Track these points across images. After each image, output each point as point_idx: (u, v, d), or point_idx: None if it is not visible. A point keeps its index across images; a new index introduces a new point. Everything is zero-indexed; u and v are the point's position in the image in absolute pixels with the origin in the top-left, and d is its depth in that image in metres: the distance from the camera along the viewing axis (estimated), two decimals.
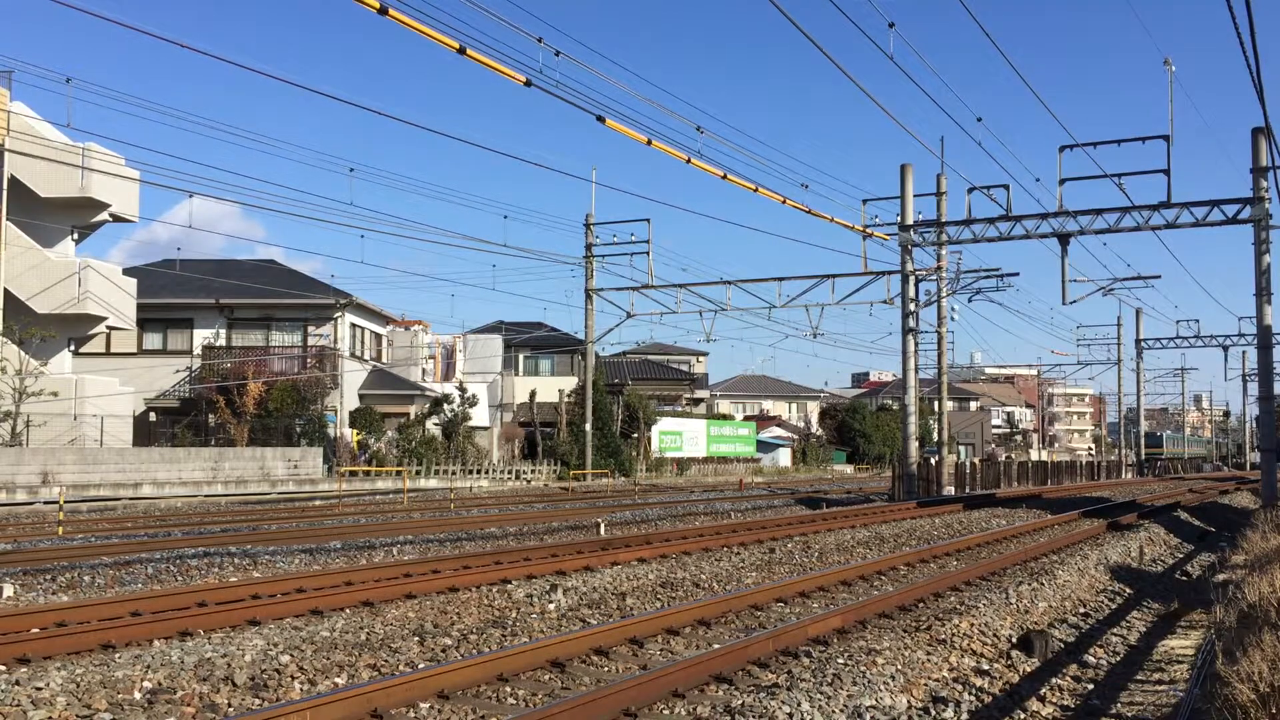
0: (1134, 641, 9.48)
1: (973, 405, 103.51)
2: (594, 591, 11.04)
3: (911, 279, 30.86)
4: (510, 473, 44.25)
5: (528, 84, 17.00)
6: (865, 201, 31.99)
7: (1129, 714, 6.84)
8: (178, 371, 42.27)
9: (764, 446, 70.77)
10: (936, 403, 42.75)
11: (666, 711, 6.30)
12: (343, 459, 39.73)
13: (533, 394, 51.95)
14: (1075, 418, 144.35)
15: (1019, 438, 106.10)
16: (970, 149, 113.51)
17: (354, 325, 45.59)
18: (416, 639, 8.45)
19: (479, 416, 48.39)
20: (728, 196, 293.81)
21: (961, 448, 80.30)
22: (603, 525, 19.01)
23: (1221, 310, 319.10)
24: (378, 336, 49.65)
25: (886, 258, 64.36)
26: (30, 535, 17.37)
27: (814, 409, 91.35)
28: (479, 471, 43.11)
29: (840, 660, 7.48)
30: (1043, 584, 11.46)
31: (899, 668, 7.31)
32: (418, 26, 14.98)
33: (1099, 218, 27.52)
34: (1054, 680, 7.64)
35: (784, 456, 72.51)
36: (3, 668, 7.08)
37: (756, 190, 25.73)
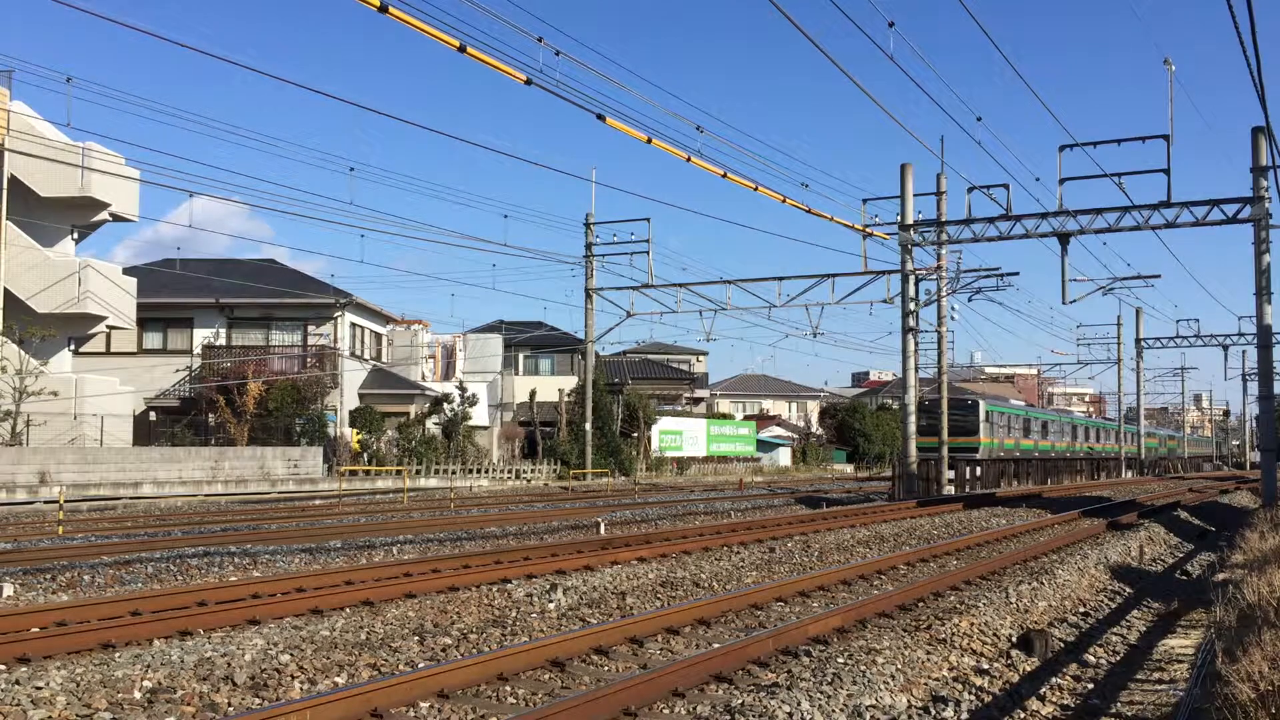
0: (1134, 641, 9.48)
1: None
2: (594, 591, 11.04)
3: (911, 278, 30.86)
4: (510, 472, 44.25)
5: (528, 83, 16.99)
6: (865, 201, 31.96)
7: (1129, 713, 6.84)
8: (178, 371, 42.26)
9: (764, 446, 70.76)
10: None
11: (667, 711, 6.30)
12: (343, 458, 39.74)
13: (533, 393, 51.95)
14: None
15: None
16: (970, 149, 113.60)
17: (354, 325, 45.59)
18: (416, 638, 8.45)
19: (479, 416, 48.39)
20: (728, 196, 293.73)
21: None
22: (603, 524, 19.01)
23: (1221, 310, 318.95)
24: (378, 336, 49.65)
25: (886, 257, 64.33)
26: (30, 535, 17.36)
27: (814, 408, 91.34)
28: (479, 471, 43.11)
29: (840, 659, 7.48)
30: (1043, 583, 11.46)
31: (899, 667, 7.32)
32: (418, 25, 14.98)
33: (1099, 217, 27.52)
34: (1054, 680, 7.64)
35: (784, 456, 72.50)
36: (3, 667, 7.08)
37: (756, 189, 25.72)
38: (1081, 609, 10.96)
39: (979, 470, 39.63)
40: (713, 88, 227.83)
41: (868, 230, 32.09)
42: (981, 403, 41.42)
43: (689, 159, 22.59)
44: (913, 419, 31.20)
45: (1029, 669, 7.96)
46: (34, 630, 8.15)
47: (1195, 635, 9.65)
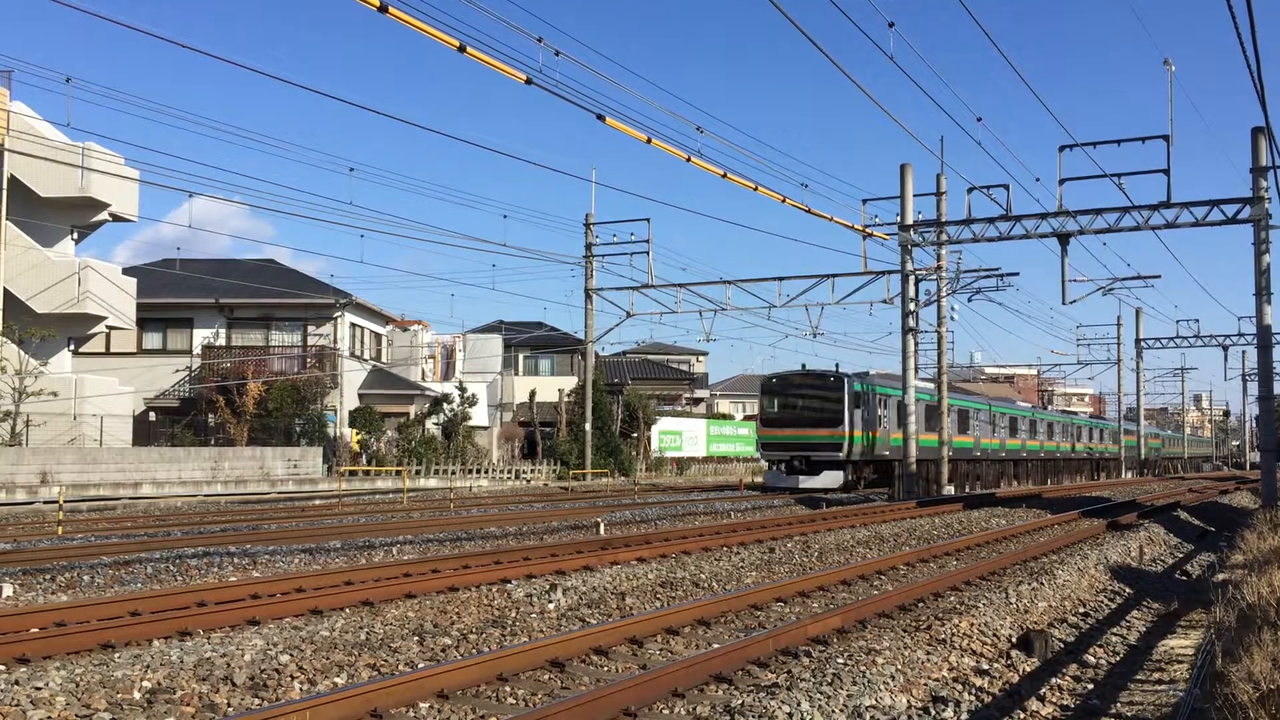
0: (1134, 641, 9.48)
1: None
2: (594, 591, 11.04)
3: (911, 279, 30.85)
4: (510, 472, 44.24)
5: (528, 83, 17.00)
6: (865, 201, 31.97)
7: (1129, 714, 6.84)
8: (177, 371, 42.25)
9: None
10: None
11: (666, 711, 6.30)
12: (342, 459, 39.73)
13: (532, 394, 51.95)
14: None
15: None
16: (970, 149, 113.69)
17: (354, 325, 45.59)
18: (416, 639, 8.45)
19: (479, 416, 48.38)
20: (728, 196, 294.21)
21: None
22: (602, 525, 18.99)
23: (1221, 310, 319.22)
24: (377, 336, 49.65)
25: (886, 257, 64.22)
26: (30, 535, 17.36)
27: None
28: (479, 471, 43.10)
29: (840, 660, 7.48)
30: (1042, 584, 11.46)
31: (899, 667, 7.31)
32: (418, 25, 14.98)
33: (1099, 217, 27.51)
34: (1054, 680, 7.63)
35: None
36: (2, 667, 7.08)
37: (756, 189, 25.73)
38: (1081, 609, 10.96)
39: (844, 475, 31.64)
40: (713, 88, 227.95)
41: (868, 230, 32.11)
42: (848, 381, 32.28)
43: (689, 159, 22.61)
44: (913, 419, 31.18)
45: (1029, 669, 7.96)
46: (33, 630, 8.15)
47: (1195, 636, 9.64)
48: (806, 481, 31.55)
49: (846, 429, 31.71)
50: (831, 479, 31.64)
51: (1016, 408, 48.87)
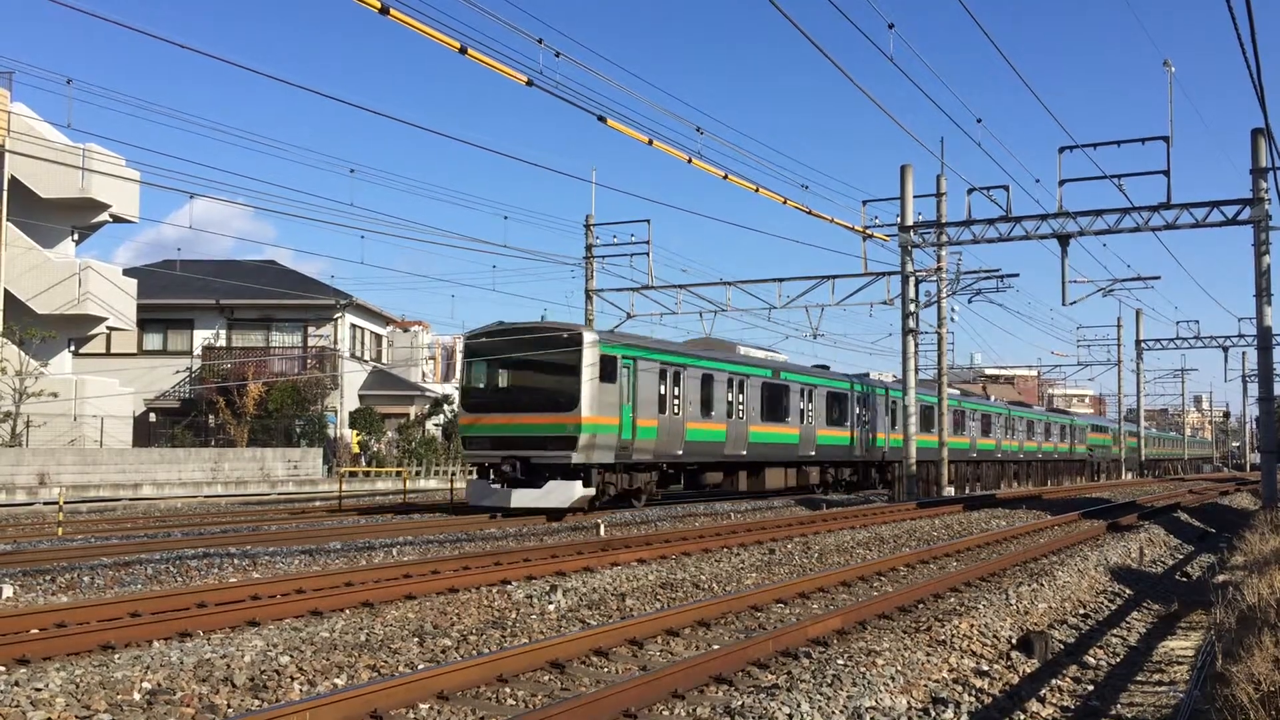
0: (1134, 642, 9.48)
1: None
2: (594, 592, 11.04)
3: (911, 280, 30.84)
4: None
5: (529, 84, 16.99)
6: (865, 202, 31.91)
7: (1129, 715, 6.83)
8: (178, 372, 42.26)
9: None
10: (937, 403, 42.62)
11: (666, 712, 6.30)
12: (342, 459, 39.73)
13: None
14: None
15: None
16: (970, 150, 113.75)
17: (354, 326, 45.59)
18: (416, 640, 8.45)
19: None
20: (728, 197, 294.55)
21: None
22: (602, 526, 18.98)
23: (1221, 311, 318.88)
24: (378, 337, 49.64)
25: (886, 258, 64.13)
26: (30, 536, 17.35)
27: None
28: None
29: (840, 661, 7.48)
30: (1043, 585, 11.45)
31: (899, 669, 7.31)
32: (419, 26, 14.97)
33: (1099, 219, 27.49)
34: (1054, 681, 7.63)
35: None
36: (2, 668, 7.08)
37: (757, 191, 25.67)
38: (1081, 610, 10.95)
39: (584, 485, 20.77)
40: (713, 89, 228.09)
41: (868, 232, 32.07)
42: (590, 340, 21.31)
43: (690, 160, 22.56)
44: (914, 420, 31.17)
45: (1029, 670, 7.96)
46: (34, 631, 8.15)
47: (1195, 637, 9.64)
48: (523, 497, 20.65)
49: (588, 413, 20.73)
50: (562, 493, 20.60)
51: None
